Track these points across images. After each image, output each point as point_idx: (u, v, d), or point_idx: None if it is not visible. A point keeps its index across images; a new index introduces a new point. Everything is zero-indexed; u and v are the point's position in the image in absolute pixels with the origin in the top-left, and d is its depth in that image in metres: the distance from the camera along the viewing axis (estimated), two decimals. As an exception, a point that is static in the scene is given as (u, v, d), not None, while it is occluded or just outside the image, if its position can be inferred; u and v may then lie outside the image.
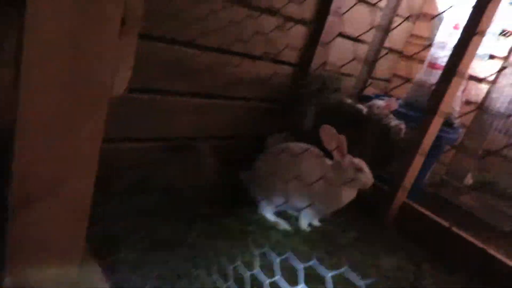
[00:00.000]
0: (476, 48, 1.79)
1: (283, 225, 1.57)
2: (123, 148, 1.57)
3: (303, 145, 1.61)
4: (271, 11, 2.04)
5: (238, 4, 1.81)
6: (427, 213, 1.85)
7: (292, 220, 1.64)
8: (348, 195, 1.57)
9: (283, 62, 2.27)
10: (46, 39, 0.53)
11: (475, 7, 1.70)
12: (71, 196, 0.66)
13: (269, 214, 1.58)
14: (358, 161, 1.55)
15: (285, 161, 1.52)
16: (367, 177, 1.55)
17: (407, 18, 2.96)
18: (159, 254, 1.14)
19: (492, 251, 1.64)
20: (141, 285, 0.96)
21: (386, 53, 2.98)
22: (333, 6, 2.27)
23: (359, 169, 1.53)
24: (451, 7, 2.41)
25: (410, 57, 3.11)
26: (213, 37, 1.74)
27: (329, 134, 1.50)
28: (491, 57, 2.58)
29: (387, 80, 3.23)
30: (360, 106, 2.16)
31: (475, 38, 1.71)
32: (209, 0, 1.63)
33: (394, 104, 2.14)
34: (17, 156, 0.59)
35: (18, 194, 0.61)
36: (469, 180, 2.70)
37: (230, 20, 1.80)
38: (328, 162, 1.58)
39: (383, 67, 3.10)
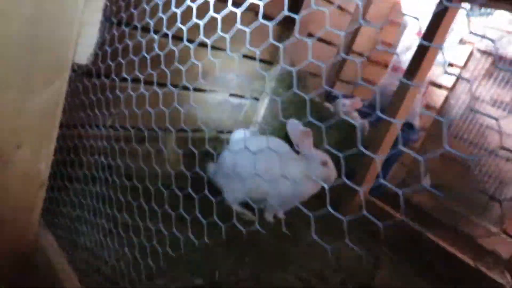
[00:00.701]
0: (435, 55, 1.88)
1: (248, 215, 1.58)
2: (88, 135, 1.52)
3: (268, 139, 1.64)
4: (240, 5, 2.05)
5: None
6: (387, 208, 1.92)
7: (258, 211, 1.66)
8: (311, 188, 1.61)
9: (253, 58, 2.29)
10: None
11: (433, 16, 1.79)
12: (27, 166, 0.64)
13: (234, 205, 1.59)
14: (323, 155, 1.59)
15: (249, 155, 1.54)
16: (331, 171, 1.59)
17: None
18: (116, 240, 1.12)
19: (446, 246, 1.72)
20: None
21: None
22: (303, 7, 2.32)
23: (324, 163, 1.57)
24: (415, 17, 2.53)
25: (376, 62, 3.22)
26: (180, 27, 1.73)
27: (295, 128, 1.53)
28: (450, 64, 2.72)
29: (354, 83, 3.33)
30: (326, 104, 2.22)
31: (433, 46, 1.80)
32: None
33: (359, 103, 2.22)
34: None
35: (-31, 160, 0.58)
36: (427, 180, 2.83)
37: (200, 12, 1.79)
38: (294, 156, 1.61)
39: (350, 70, 3.19)
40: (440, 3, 1.77)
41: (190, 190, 0.92)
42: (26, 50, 0.57)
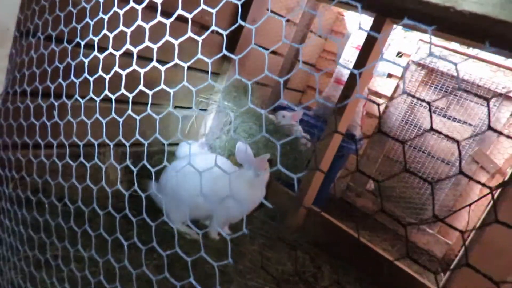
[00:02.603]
0: (373, 68, 1.98)
1: (192, 234, 1.57)
2: (20, 155, 1.44)
3: (209, 156, 1.64)
4: (187, 20, 2.03)
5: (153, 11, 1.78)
6: (330, 218, 1.99)
7: (203, 229, 1.65)
8: (256, 200, 1.63)
9: (199, 70, 2.28)
10: None
11: (371, 30, 1.89)
12: None
13: (177, 224, 1.58)
14: (260, 160, 1.62)
15: (191, 173, 1.53)
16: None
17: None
18: (46, 275, 1.07)
19: (383, 253, 1.82)
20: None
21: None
22: (248, 18, 2.35)
23: (264, 168, 1.60)
24: (352, 33, 2.64)
25: (321, 71, 3.33)
26: (123, 42, 1.68)
27: (242, 152, 1.54)
28: (389, 75, 2.88)
29: (301, 91, 3.42)
30: (271, 116, 2.26)
31: (370, 58, 1.89)
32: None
33: (298, 115, 2.28)
34: None
35: None
36: (370, 185, 2.97)
37: (147, 27, 1.75)
38: (237, 171, 1.62)
39: (297, 79, 3.27)
40: (375, 22, 1.87)
41: (127, 212, 0.89)
42: None
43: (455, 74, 2.59)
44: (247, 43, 2.46)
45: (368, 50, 1.87)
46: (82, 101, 0.72)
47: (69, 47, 0.78)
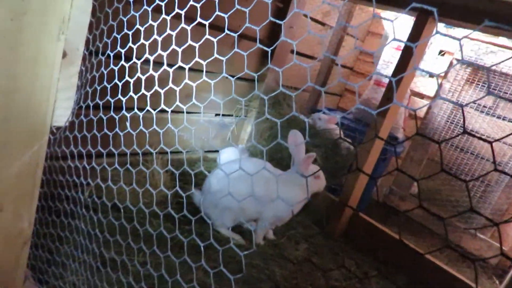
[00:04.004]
0: (416, 68, 1.93)
1: (238, 239, 1.60)
2: (95, 164, 1.53)
3: (254, 161, 1.66)
4: (228, 30, 2.08)
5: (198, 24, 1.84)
6: (375, 223, 1.95)
7: (247, 234, 1.67)
8: (301, 204, 1.63)
9: (238, 78, 2.32)
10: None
11: (413, 30, 1.84)
12: (8, 226, 0.65)
13: (223, 229, 1.61)
14: (314, 167, 1.62)
15: (237, 178, 1.56)
16: (322, 181, 1.63)
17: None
18: (107, 277, 1.13)
19: (433, 259, 1.76)
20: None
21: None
22: (285, 25, 2.36)
23: (316, 176, 1.60)
24: (393, 37, 2.58)
25: (360, 73, 3.28)
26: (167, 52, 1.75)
27: (296, 140, 1.55)
28: (431, 75, 2.79)
29: (339, 95, 3.38)
30: (310, 120, 2.25)
31: (413, 58, 1.84)
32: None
33: (334, 119, 2.26)
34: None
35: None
36: (414, 189, 2.87)
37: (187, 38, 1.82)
38: (283, 175, 1.62)
39: (334, 83, 3.24)
40: (418, 20, 1.83)
41: (185, 212, 0.93)
42: (3, 120, 0.58)
43: (503, 70, 2.47)
44: (284, 50, 2.47)
45: (410, 50, 1.83)
46: (140, 114, 0.76)
47: (124, 64, 0.83)
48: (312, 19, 2.65)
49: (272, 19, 0.78)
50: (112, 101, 0.80)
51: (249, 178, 1.54)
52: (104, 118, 0.86)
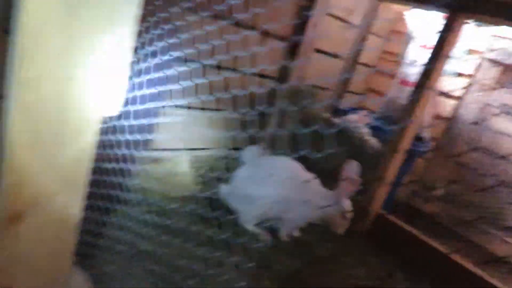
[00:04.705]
0: (444, 67, 1.90)
1: (264, 236, 1.60)
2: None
3: (284, 160, 1.67)
4: (253, 28, 2.10)
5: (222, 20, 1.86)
6: (400, 223, 1.93)
7: (272, 231, 1.68)
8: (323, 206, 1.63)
9: (262, 76, 2.34)
10: (36, 75, 0.56)
11: (444, 28, 1.81)
12: (60, 212, 0.68)
13: (248, 225, 1.62)
14: (348, 206, 1.61)
15: (265, 175, 1.57)
16: (346, 222, 1.62)
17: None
18: (140, 266, 1.16)
19: (460, 261, 1.72)
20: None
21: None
22: (310, 23, 2.36)
23: (343, 216, 1.59)
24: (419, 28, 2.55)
25: (383, 73, 3.24)
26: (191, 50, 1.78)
27: (352, 171, 1.54)
28: (459, 74, 2.73)
29: (362, 94, 3.35)
30: (335, 119, 2.24)
31: (442, 57, 1.81)
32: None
33: (366, 118, 2.24)
34: (8, 175, 0.61)
35: (10, 210, 0.62)
36: (439, 190, 2.82)
37: (214, 35, 1.84)
38: (310, 177, 1.62)
39: (358, 82, 3.22)
40: (449, 19, 1.80)
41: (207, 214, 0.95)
42: (59, 109, 0.61)
43: (535, 70, 2.40)
44: (308, 48, 2.47)
45: (440, 49, 1.80)
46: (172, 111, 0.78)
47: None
48: (336, 17, 2.64)
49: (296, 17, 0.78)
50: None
51: (278, 177, 1.55)
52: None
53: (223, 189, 1.70)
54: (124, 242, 1.18)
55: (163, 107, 1.21)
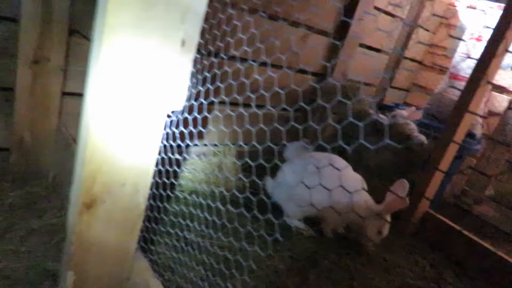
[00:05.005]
0: (501, 60, 1.80)
1: (309, 231, 1.61)
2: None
3: (328, 155, 1.66)
4: (295, 23, 2.09)
5: (265, 16, 1.88)
6: (450, 223, 1.86)
7: (317, 226, 1.68)
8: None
9: (304, 72, 2.32)
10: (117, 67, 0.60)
11: (501, 19, 1.72)
12: (127, 199, 0.72)
13: (293, 220, 1.63)
14: (385, 228, 1.58)
15: (311, 170, 1.57)
16: (375, 239, 1.59)
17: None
18: (190, 256, 1.20)
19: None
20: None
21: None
22: (355, 17, 2.31)
23: (379, 232, 1.56)
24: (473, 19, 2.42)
25: (430, 67, 3.12)
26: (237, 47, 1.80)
27: (401, 189, 1.52)
28: (514, 68, 2.57)
29: (407, 90, 3.25)
30: (381, 115, 2.19)
31: (500, 50, 1.72)
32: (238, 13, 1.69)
33: (416, 114, 2.17)
34: (86, 165, 0.65)
35: (85, 197, 0.67)
36: (490, 190, 2.69)
37: (255, 31, 1.86)
38: (356, 176, 1.61)
39: (402, 77, 3.12)
40: (506, 9, 1.70)
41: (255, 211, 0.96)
42: (130, 104, 0.65)
43: None
44: (353, 43, 2.43)
45: (496, 41, 1.71)
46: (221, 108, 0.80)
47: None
48: (382, 10, 2.57)
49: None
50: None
51: (324, 175, 1.54)
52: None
53: (269, 182, 1.72)
54: (175, 233, 1.23)
55: (212, 102, 1.24)
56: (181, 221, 1.27)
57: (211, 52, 1.07)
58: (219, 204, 1.18)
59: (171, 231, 1.22)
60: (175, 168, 0.95)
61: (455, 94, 2.25)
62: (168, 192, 1.03)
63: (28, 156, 1.37)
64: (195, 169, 1.83)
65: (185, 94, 0.69)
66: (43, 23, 1.25)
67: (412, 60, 3.10)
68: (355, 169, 1.66)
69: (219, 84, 1.01)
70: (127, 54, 0.60)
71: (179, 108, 0.69)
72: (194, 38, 0.67)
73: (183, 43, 0.66)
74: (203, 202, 1.19)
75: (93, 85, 0.62)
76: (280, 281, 1.25)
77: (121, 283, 0.78)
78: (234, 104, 2.00)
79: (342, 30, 2.36)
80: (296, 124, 0.98)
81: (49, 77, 1.32)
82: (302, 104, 1.07)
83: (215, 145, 1.94)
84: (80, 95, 1.52)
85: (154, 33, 0.61)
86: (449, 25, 2.98)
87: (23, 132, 1.34)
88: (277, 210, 1.66)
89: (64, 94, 1.41)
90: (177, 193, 1.57)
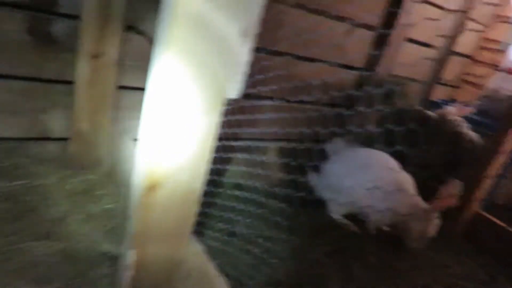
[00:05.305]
0: None
1: (352, 226, 1.59)
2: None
3: (375, 153, 1.63)
4: (340, 17, 2.07)
5: (310, 11, 1.87)
6: (504, 225, 1.77)
7: (360, 222, 1.66)
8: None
9: (349, 67, 2.29)
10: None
11: None
12: (185, 185, 0.76)
13: (337, 216, 1.62)
14: (432, 228, 1.53)
15: (357, 166, 1.55)
16: (419, 242, 1.53)
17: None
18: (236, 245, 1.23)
19: None
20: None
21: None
22: (402, 9, 2.24)
23: (425, 232, 1.52)
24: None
25: (481, 62, 2.97)
26: (283, 43, 1.81)
27: (453, 188, 1.48)
28: None
29: (455, 86, 3.10)
30: (429, 112, 2.12)
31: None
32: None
33: (466, 110, 2.08)
34: (148, 149, 0.69)
35: (144, 182, 0.71)
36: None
37: (300, 26, 1.86)
38: (403, 173, 1.57)
39: (451, 72, 2.98)
40: None
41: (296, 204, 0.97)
42: (196, 88, 0.68)
43: None
44: (399, 37, 2.36)
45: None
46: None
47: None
48: (431, 3, 2.47)
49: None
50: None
51: (371, 172, 1.52)
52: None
53: (313, 178, 1.72)
54: (222, 223, 1.26)
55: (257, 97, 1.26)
56: (229, 214, 1.31)
57: (258, 47, 1.09)
58: (263, 199, 1.20)
59: (221, 219, 1.26)
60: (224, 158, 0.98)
61: (510, 90, 2.13)
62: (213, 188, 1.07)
63: (86, 146, 1.46)
64: (239, 164, 1.86)
65: (241, 83, 0.71)
66: (102, 20, 1.32)
67: (462, 55, 2.97)
68: (403, 167, 1.62)
69: (262, 77, 1.02)
70: (191, 43, 0.63)
71: (235, 96, 0.71)
72: (254, 28, 0.69)
73: (244, 32, 0.68)
74: (248, 195, 1.22)
75: (157, 71, 0.65)
76: (325, 274, 1.25)
77: (177, 265, 0.81)
78: (277, 99, 2.02)
79: (388, 23, 2.30)
80: (340, 120, 0.97)
81: (105, 71, 1.40)
82: (346, 99, 1.06)
83: (258, 139, 1.96)
84: (133, 89, 1.60)
85: (217, 21, 0.63)
86: (503, 17, 2.82)
87: (82, 123, 1.42)
88: (321, 205, 1.66)
89: (119, 87, 1.49)
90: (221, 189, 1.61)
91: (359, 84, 2.36)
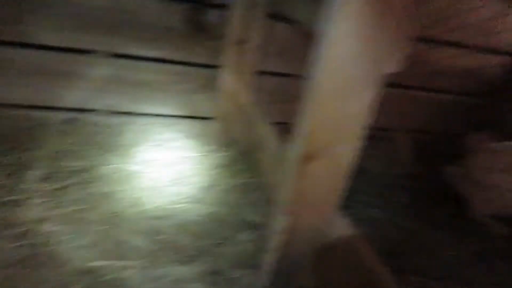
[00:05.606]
0: None
1: (499, 228, 1.42)
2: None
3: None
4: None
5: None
6: None
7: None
8: None
9: (497, 52, 2.02)
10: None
11: None
12: (338, 158, 0.78)
13: (483, 215, 1.46)
14: None
15: (510, 163, 1.37)
16: None
17: None
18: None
19: None
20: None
21: None
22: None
23: None
24: None
25: None
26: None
27: None
28: None
29: None
30: None
31: None
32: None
33: None
34: (307, 123, 0.73)
35: (303, 153, 0.75)
36: None
37: (432, 7, 1.71)
38: None
39: None
40: None
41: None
42: (355, 65, 0.69)
43: None
44: None
45: None
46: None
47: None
48: None
49: None
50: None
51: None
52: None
53: (451, 171, 1.59)
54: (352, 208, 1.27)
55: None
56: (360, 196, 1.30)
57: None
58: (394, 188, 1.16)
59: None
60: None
61: None
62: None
63: (229, 125, 1.61)
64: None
65: (404, 56, 0.69)
66: (248, 8, 1.42)
67: None
68: None
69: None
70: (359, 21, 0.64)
71: (398, 70, 0.70)
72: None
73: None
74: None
75: (324, 45, 0.68)
76: (468, 274, 1.16)
77: (323, 234, 0.85)
78: (413, 88, 1.91)
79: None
80: (484, 111, 0.88)
81: (249, 56, 1.51)
82: (492, 89, 0.94)
83: (387, 129, 1.89)
84: (273, 74, 1.69)
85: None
86: None
87: (227, 104, 1.57)
88: (459, 201, 1.53)
89: (260, 72, 1.59)
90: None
91: (510, 71, 2.07)
